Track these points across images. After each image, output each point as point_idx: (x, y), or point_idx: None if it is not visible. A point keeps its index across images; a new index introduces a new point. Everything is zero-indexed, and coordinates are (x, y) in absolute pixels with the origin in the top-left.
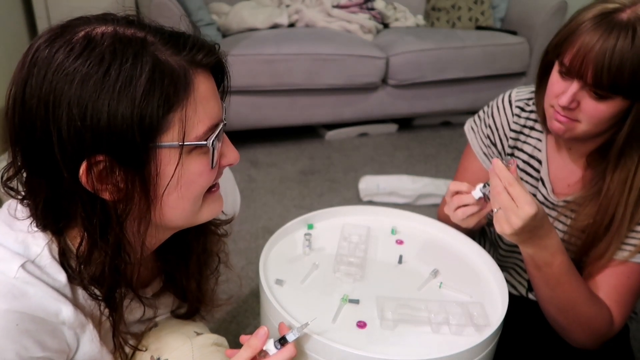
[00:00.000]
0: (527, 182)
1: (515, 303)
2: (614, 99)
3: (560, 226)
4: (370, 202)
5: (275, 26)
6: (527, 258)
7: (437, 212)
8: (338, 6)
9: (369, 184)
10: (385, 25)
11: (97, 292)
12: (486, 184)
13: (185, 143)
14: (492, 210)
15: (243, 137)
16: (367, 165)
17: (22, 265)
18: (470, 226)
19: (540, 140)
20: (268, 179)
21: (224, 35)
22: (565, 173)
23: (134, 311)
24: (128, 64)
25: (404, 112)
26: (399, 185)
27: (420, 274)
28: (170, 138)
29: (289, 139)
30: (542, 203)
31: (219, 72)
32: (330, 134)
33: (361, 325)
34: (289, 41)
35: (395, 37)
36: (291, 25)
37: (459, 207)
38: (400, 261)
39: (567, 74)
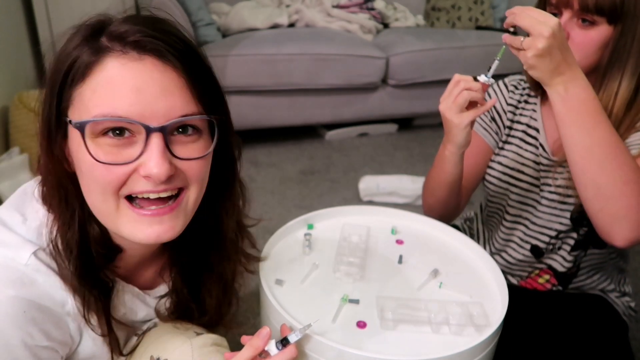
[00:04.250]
0: (526, 149)
1: (515, 294)
2: (600, 26)
3: (564, 181)
4: (370, 202)
5: (275, 26)
6: (559, 103)
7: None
8: (338, 6)
9: (369, 184)
10: (385, 25)
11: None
12: (487, 74)
13: (68, 119)
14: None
15: (243, 137)
16: (367, 165)
17: (34, 253)
18: (464, 123)
19: (535, 110)
20: (268, 179)
21: (224, 35)
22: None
23: (136, 310)
24: (72, 42)
25: (404, 112)
26: (399, 185)
27: (420, 274)
28: (71, 114)
29: (289, 139)
30: (546, 165)
31: (193, 69)
32: (330, 134)
33: (361, 325)
34: (289, 41)
35: (395, 37)
36: (291, 25)
37: (465, 89)
38: (400, 261)
39: (556, 8)
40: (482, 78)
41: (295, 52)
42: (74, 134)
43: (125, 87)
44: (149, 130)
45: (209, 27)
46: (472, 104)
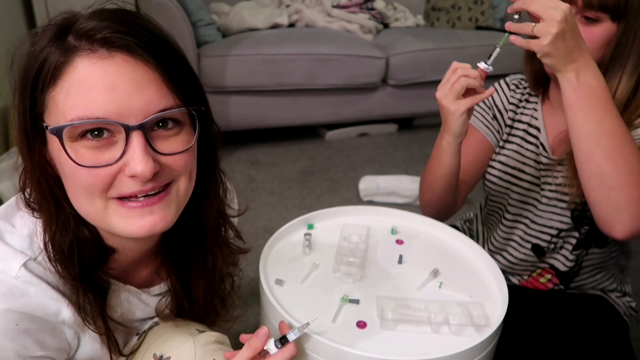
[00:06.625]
0: (527, 148)
1: (515, 294)
2: (603, 23)
3: (564, 180)
4: (370, 202)
5: (275, 26)
6: (569, 90)
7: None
8: (338, 6)
9: (369, 184)
10: (385, 25)
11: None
12: (487, 62)
13: (44, 124)
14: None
15: (243, 137)
16: (367, 165)
17: (24, 264)
18: (460, 111)
19: (536, 109)
20: (268, 179)
21: (224, 35)
22: (562, 133)
23: (133, 310)
24: (39, 44)
25: (404, 112)
26: (399, 185)
27: (420, 274)
28: (47, 119)
29: (289, 139)
30: (546, 164)
31: (166, 61)
32: (330, 134)
33: (361, 325)
34: (289, 41)
35: (395, 37)
36: (291, 25)
37: (462, 76)
38: (400, 261)
39: None
40: (481, 65)
41: (295, 52)
42: (53, 139)
43: (98, 86)
44: (128, 129)
45: (209, 27)
46: (470, 92)
